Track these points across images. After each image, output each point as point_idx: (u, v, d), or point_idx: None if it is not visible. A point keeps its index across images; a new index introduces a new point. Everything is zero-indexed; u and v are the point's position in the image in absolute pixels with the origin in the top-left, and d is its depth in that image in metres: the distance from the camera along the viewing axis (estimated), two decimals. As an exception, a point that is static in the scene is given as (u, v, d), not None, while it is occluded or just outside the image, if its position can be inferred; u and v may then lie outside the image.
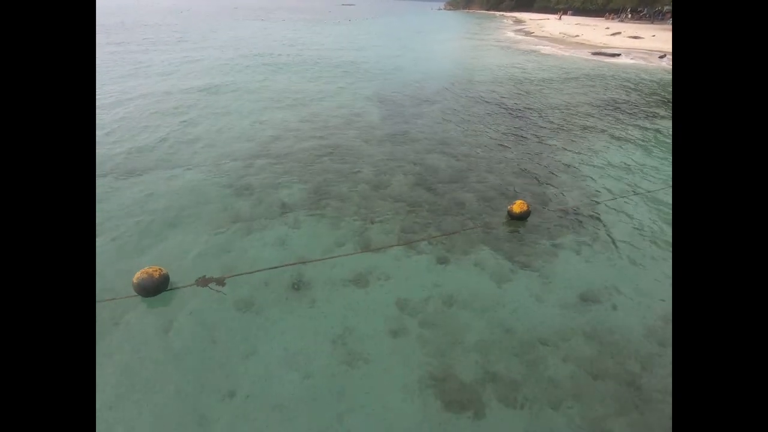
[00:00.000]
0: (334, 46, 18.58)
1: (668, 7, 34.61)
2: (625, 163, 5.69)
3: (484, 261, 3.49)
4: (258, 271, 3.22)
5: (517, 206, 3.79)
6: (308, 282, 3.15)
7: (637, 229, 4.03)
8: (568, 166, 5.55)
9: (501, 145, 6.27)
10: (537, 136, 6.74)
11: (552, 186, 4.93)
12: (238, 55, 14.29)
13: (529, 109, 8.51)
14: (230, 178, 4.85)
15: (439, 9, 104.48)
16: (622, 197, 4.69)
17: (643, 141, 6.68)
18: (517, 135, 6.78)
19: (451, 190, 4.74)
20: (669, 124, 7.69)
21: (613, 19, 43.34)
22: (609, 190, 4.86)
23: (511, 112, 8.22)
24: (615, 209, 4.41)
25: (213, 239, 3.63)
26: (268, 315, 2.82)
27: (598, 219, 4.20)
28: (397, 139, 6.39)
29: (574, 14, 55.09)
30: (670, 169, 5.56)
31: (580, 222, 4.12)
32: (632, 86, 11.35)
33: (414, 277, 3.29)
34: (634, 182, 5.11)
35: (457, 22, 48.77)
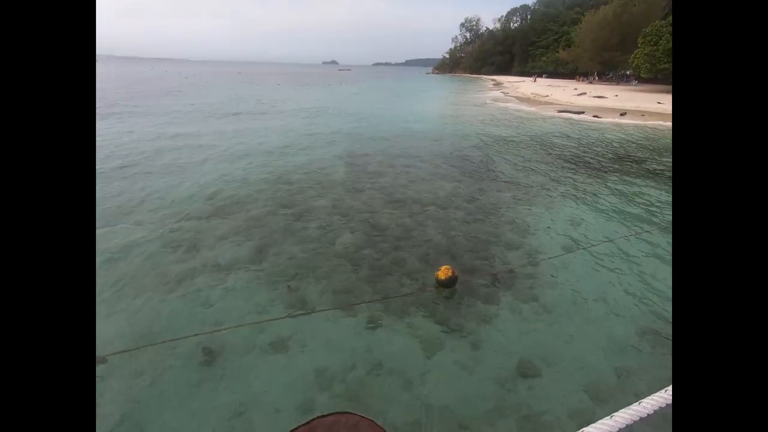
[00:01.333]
0: (315, 104, 19.88)
1: (630, 71, 38.16)
2: (573, 220, 5.74)
3: (416, 327, 3.31)
4: (164, 342, 3.03)
5: (443, 272, 3.67)
6: (220, 351, 2.96)
7: (576, 291, 3.88)
8: (518, 223, 5.59)
9: (454, 202, 6.39)
10: (492, 193, 6.90)
11: (497, 245, 4.91)
12: (212, 112, 15.18)
13: (489, 164, 8.85)
14: (168, 237, 4.81)
15: (428, 73, 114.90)
16: (567, 253, 4.65)
17: (593, 197, 6.84)
18: (473, 192, 6.94)
19: (394, 249, 4.69)
20: (618, 179, 7.98)
21: (582, 81, 47.47)
22: (554, 247, 4.82)
23: (471, 168, 8.53)
24: (558, 267, 4.31)
25: (119, 305, 3.48)
26: (163, 391, 2.59)
27: (540, 279, 4.08)
28: (353, 196, 6.51)
29: (548, 77, 60.64)
30: (614, 223, 5.62)
31: (521, 283, 4.00)
32: (591, 143, 11.99)
33: (340, 343, 3.08)
34: (579, 238, 5.09)
35: (442, 84, 53.17)
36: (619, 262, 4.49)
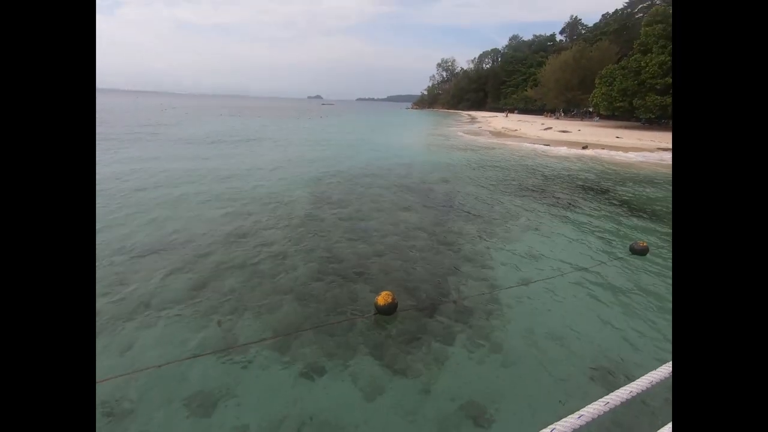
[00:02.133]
0: (294, 135, 20.08)
1: (592, 108, 41.18)
2: (531, 252, 5.73)
3: (354, 366, 3.04)
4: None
5: (382, 298, 3.50)
6: (132, 400, 2.60)
7: (530, 328, 3.75)
8: (476, 254, 5.53)
9: (415, 234, 6.32)
10: (454, 224, 6.90)
11: (454, 275, 4.80)
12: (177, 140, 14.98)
13: (454, 196, 8.98)
14: (107, 272, 4.43)
15: (408, 108, 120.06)
16: (522, 285, 4.57)
17: (553, 228, 6.96)
18: (435, 223, 6.93)
19: (346, 281, 4.49)
20: (577, 209, 8.23)
21: (550, 117, 50.81)
22: (510, 280, 4.74)
23: (436, 199, 8.61)
24: (513, 300, 4.20)
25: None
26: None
27: (493, 313, 3.94)
28: (312, 226, 6.35)
29: (519, 113, 64.60)
30: (572, 254, 5.67)
31: (472, 317, 3.84)
32: (554, 174, 12.51)
33: (273, 390, 2.76)
34: (536, 271, 5.04)
35: (419, 118, 55.44)
36: (575, 296, 4.44)
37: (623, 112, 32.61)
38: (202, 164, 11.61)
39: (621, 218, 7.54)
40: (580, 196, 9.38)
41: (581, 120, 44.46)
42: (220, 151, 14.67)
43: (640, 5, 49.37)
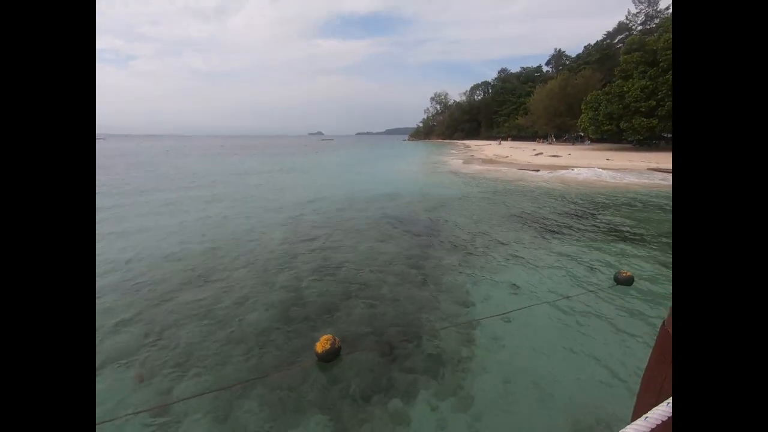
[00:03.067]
0: (282, 169, 20.30)
1: (582, 133, 42.04)
2: (514, 284, 5.36)
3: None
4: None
5: (321, 344, 3.15)
6: None
7: (505, 379, 3.36)
8: (455, 288, 5.19)
9: (392, 268, 6.03)
10: (436, 256, 6.62)
11: (427, 313, 4.44)
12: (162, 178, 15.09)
13: (439, 226, 8.76)
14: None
15: (404, 140, 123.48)
16: (502, 321, 4.20)
17: (537, 257, 6.65)
18: (415, 255, 6.65)
19: (306, 326, 4.13)
20: (564, 236, 7.96)
21: (542, 142, 51.83)
22: (488, 319, 4.36)
23: (420, 230, 8.39)
24: (489, 341, 3.81)
25: None
26: None
27: (468, 357, 3.56)
28: (284, 265, 6.08)
29: (512, 139, 66.09)
30: (556, 285, 5.34)
31: (445, 361, 3.47)
32: (542, 199, 12.36)
33: None
34: (516, 307, 4.67)
35: (415, 150, 56.57)
36: (557, 333, 4.06)
37: (612, 135, 33.19)
38: (183, 193, 11.58)
39: (606, 245, 7.23)
40: (566, 221, 9.13)
41: (573, 144, 45.25)
42: (213, 182, 14.74)
43: (618, 36, 52.08)
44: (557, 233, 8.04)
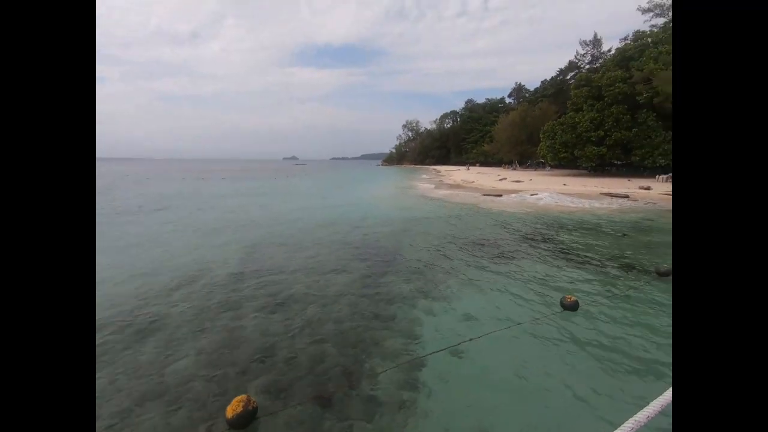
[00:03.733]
0: (249, 193, 19.69)
1: (543, 160, 44.70)
2: (469, 313, 5.25)
3: None
4: None
5: (231, 408, 2.77)
6: None
7: (448, 430, 3.14)
8: (406, 322, 4.98)
9: (344, 299, 5.76)
10: (391, 285, 6.42)
11: (373, 353, 4.17)
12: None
13: (399, 252, 8.64)
14: None
15: (377, 165, 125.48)
16: (451, 356, 3.99)
17: (490, 282, 6.64)
18: (368, 284, 6.42)
19: (232, 378, 3.74)
20: (521, 259, 8.09)
21: (507, 168, 54.51)
22: (438, 349, 4.18)
23: (379, 257, 8.22)
24: (439, 379, 3.58)
25: None
26: None
27: (411, 403, 3.29)
28: (225, 300, 5.63)
29: (480, 165, 69.02)
30: (507, 312, 5.28)
31: (384, 411, 3.21)
32: (503, 223, 12.68)
33: None
34: (471, 334, 4.50)
35: (387, 174, 57.47)
36: (505, 363, 3.93)
37: (568, 161, 35.55)
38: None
39: (558, 269, 7.40)
40: (522, 245, 9.34)
41: (535, 170, 47.91)
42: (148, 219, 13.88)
43: (570, 73, 57.20)
44: (512, 258, 8.16)
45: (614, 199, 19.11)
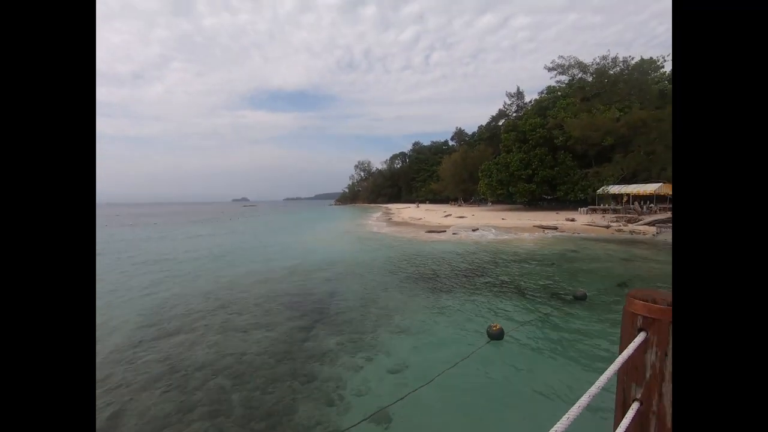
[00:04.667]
0: (184, 245, 17.95)
1: (483, 196, 48.05)
2: (399, 365, 4.88)
3: None
4: None
5: None
6: None
7: None
8: (327, 384, 4.43)
9: (260, 362, 5.05)
10: (317, 340, 5.84)
11: (283, 426, 3.58)
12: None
13: (330, 300, 8.12)
14: None
15: (331, 204, 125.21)
16: (370, 418, 3.54)
17: (423, 324, 6.40)
18: (292, 341, 5.78)
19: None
20: (453, 299, 8.04)
21: (454, 204, 57.45)
22: (363, 414, 3.71)
23: (308, 308, 7.62)
24: None
25: None
26: None
27: None
28: (117, 373, 4.63)
29: (430, 202, 72.07)
30: (432, 356, 5.00)
31: None
32: (441, 259, 12.84)
33: None
34: (399, 390, 4.12)
35: (338, 213, 57.22)
36: (437, 420, 3.57)
37: (505, 197, 38.60)
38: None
39: (488, 300, 7.45)
40: (459, 279, 9.40)
41: (478, 206, 51.12)
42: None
43: (501, 119, 64.33)
44: (448, 291, 8.10)
45: (546, 231, 20.70)
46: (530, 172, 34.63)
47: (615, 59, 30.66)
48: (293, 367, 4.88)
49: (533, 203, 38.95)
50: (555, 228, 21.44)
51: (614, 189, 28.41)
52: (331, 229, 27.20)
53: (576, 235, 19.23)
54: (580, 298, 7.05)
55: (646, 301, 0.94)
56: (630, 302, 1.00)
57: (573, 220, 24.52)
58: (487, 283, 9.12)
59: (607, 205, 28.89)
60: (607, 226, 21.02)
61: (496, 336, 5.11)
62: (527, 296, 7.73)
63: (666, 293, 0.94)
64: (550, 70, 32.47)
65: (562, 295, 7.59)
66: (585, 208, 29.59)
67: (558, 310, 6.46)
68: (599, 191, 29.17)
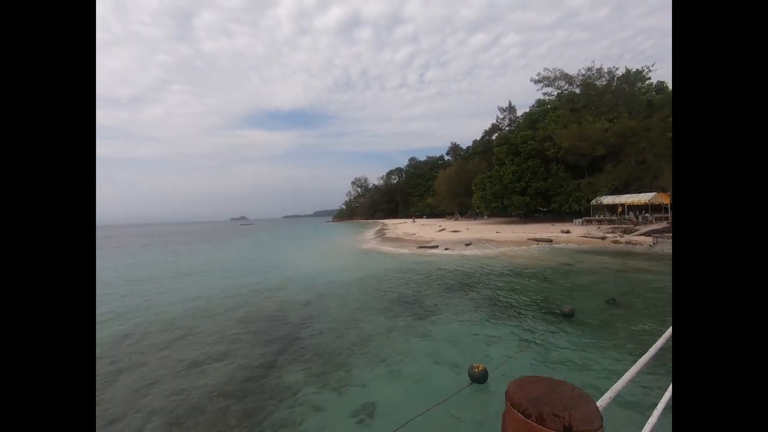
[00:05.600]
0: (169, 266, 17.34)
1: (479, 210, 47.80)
2: (366, 403, 4.34)
3: None
4: None
5: None
6: None
7: None
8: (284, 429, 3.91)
9: (208, 404, 4.49)
10: (280, 373, 5.28)
11: None
12: None
13: (305, 325, 7.56)
14: None
15: (328, 221, 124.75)
16: None
17: (401, 355, 5.85)
18: (253, 375, 5.20)
19: None
20: (437, 324, 7.48)
21: (450, 219, 57.10)
22: None
23: (278, 334, 7.05)
24: None
25: None
26: None
27: None
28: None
29: (426, 217, 71.74)
30: (408, 395, 4.44)
31: None
32: (428, 278, 12.29)
33: None
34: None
35: (334, 230, 56.72)
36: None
37: (499, 210, 38.26)
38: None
39: (474, 324, 6.90)
40: (446, 299, 8.85)
41: (474, 219, 50.76)
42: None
43: (494, 133, 64.96)
44: (431, 314, 7.54)
45: (540, 244, 20.23)
46: (523, 184, 34.46)
47: (600, 70, 30.88)
48: (244, 408, 4.30)
49: (529, 215, 38.61)
50: (550, 241, 20.99)
51: (608, 200, 28.15)
52: (321, 246, 26.65)
53: (571, 247, 18.76)
54: (567, 315, 6.78)
55: (527, 417, 0.65)
56: (508, 410, 0.74)
57: (568, 231, 24.11)
58: (473, 301, 8.58)
59: (602, 216, 28.57)
60: (603, 238, 20.59)
61: (479, 379, 4.52)
62: (515, 317, 7.20)
63: (565, 387, 0.71)
64: (536, 82, 32.75)
65: (554, 311, 7.13)
66: (580, 220, 29.23)
67: (547, 334, 5.92)
68: (593, 202, 28.89)
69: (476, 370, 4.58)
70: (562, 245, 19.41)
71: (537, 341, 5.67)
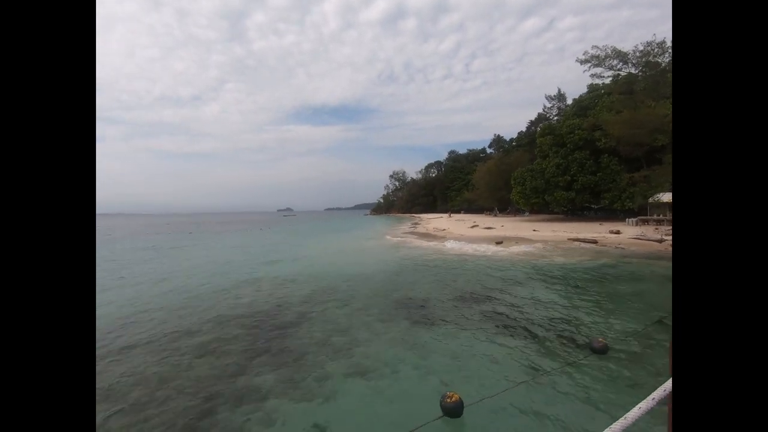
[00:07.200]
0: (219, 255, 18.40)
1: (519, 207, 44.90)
2: (320, 424, 3.94)
3: None
4: None
5: None
6: None
7: None
8: None
9: (179, 392, 4.37)
10: (251, 375, 5.05)
11: None
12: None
13: (298, 323, 7.30)
14: None
15: (365, 214, 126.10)
16: None
17: (386, 367, 5.30)
18: (221, 375, 5.04)
19: None
20: (434, 334, 6.77)
21: (488, 214, 54.51)
22: None
23: (263, 331, 6.87)
24: None
25: None
26: None
27: None
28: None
29: (464, 212, 69.32)
30: (383, 419, 3.92)
31: None
32: (444, 279, 11.50)
33: None
34: None
35: (369, 223, 57.00)
36: None
37: (540, 207, 35.41)
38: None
39: (475, 343, 6.12)
40: (453, 307, 8.07)
41: (515, 216, 47.83)
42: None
43: (540, 124, 60.41)
44: (431, 325, 6.86)
45: (582, 245, 18.26)
46: (569, 178, 31.41)
47: (662, 44, 25.48)
48: (215, 419, 4.06)
49: (575, 213, 35.34)
50: (594, 241, 18.87)
51: (668, 197, 24.60)
52: (350, 238, 26.67)
53: (618, 249, 16.63)
54: (597, 351, 5.13)
55: None
56: None
57: (618, 232, 21.51)
58: (484, 314, 7.70)
59: (662, 216, 25.14)
60: (660, 240, 17.99)
61: (450, 411, 3.77)
62: (527, 338, 6.27)
63: None
64: (582, 62, 28.00)
65: (576, 339, 6.00)
66: (634, 219, 26.02)
67: (565, 372, 4.78)
68: (650, 199, 25.40)
69: (449, 400, 3.84)
70: (609, 247, 17.30)
71: (532, 382, 4.68)
